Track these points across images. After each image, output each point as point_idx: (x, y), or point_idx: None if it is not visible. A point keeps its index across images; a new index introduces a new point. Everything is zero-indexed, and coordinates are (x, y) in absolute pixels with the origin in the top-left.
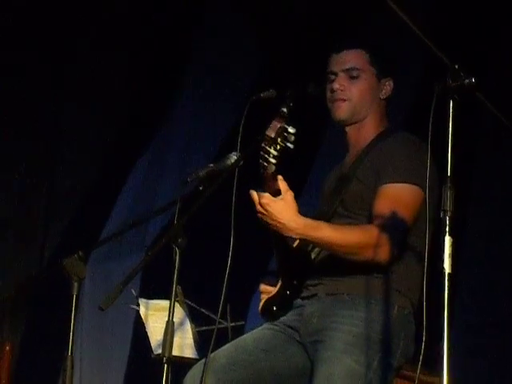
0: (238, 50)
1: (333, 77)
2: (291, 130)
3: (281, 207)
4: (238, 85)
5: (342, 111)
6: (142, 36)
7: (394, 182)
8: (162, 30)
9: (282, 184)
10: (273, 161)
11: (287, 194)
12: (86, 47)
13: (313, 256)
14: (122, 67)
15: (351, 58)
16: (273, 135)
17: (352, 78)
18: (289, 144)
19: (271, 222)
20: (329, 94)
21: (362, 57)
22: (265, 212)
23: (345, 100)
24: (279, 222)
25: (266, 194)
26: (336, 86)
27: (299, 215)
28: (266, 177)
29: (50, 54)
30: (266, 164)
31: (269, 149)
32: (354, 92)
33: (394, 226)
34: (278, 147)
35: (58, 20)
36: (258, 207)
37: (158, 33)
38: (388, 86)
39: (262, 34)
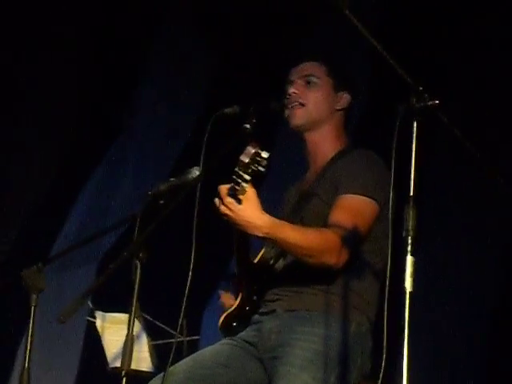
0: (194, 62)
1: (290, 85)
2: (264, 154)
3: (245, 205)
4: (193, 99)
5: (297, 117)
6: (96, 49)
7: (351, 194)
8: (116, 40)
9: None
10: (245, 185)
11: (249, 192)
12: (40, 59)
13: (274, 271)
14: (76, 78)
15: (309, 67)
16: (246, 160)
17: (308, 84)
18: (261, 168)
19: (237, 221)
20: (285, 101)
21: (319, 67)
22: (230, 212)
23: (300, 105)
24: (246, 221)
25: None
26: (292, 90)
27: (264, 213)
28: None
29: None
30: (237, 187)
31: (242, 173)
32: (310, 97)
33: (349, 235)
34: (251, 171)
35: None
36: (223, 207)
37: (113, 43)
38: (345, 99)
39: (219, 45)
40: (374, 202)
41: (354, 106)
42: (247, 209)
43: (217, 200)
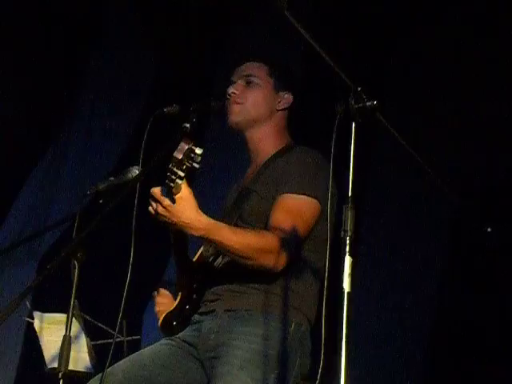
0: (136, 62)
1: (231, 85)
2: (198, 151)
3: (183, 206)
4: (134, 98)
5: (234, 114)
6: (38, 45)
7: (292, 193)
8: (59, 39)
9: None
10: (179, 181)
11: (185, 192)
12: None
13: (213, 270)
14: (18, 75)
15: (249, 68)
16: (180, 157)
17: (248, 84)
18: (195, 164)
19: (175, 221)
20: (225, 101)
21: (260, 67)
22: (167, 213)
23: (238, 103)
24: (183, 222)
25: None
26: (231, 90)
27: (202, 214)
28: (172, 195)
29: None
30: (172, 184)
31: (176, 170)
32: (248, 97)
33: (289, 237)
34: (185, 167)
35: None
36: (161, 209)
37: (54, 42)
38: (286, 99)
39: (160, 45)
40: (315, 200)
41: (295, 105)
42: (184, 210)
43: (153, 203)
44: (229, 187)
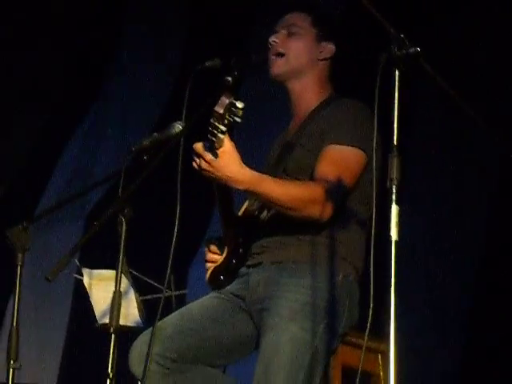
0: (173, 15)
1: (272, 34)
2: (239, 104)
3: (226, 160)
4: (173, 53)
5: (276, 67)
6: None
7: (338, 144)
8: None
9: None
10: (221, 136)
11: (228, 146)
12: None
13: (258, 223)
14: (55, 42)
15: (292, 18)
16: (221, 111)
17: (290, 33)
18: (237, 118)
19: (219, 176)
20: (267, 51)
21: (303, 17)
22: (210, 168)
23: (280, 54)
24: (226, 175)
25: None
26: (272, 38)
27: (245, 167)
28: (214, 149)
29: None
30: (214, 139)
31: (217, 124)
32: (290, 46)
33: (335, 187)
34: (226, 122)
35: None
36: (204, 164)
37: (91, 6)
38: (328, 49)
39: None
40: (361, 151)
41: (338, 56)
42: (228, 164)
43: (195, 158)
44: (271, 140)
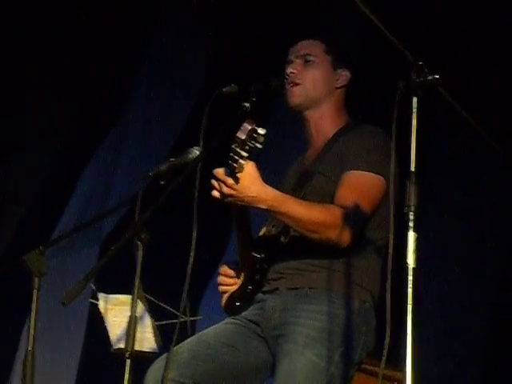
0: (192, 41)
1: (289, 65)
2: (261, 131)
3: (248, 181)
4: (193, 78)
5: (294, 96)
6: (94, 32)
7: (357, 170)
8: (117, 21)
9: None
10: (242, 162)
11: (248, 166)
12: (41, 34)
13: (276, 248)
14: (80, 63)
15: (306, 46)
16: (243, 137)
17: (306, 63)
18: (258, 144)
19: (241, 197)
20: (284, 81)
21: (317, 45)
22: (232, 192)
23: (298, 84)
24: (250, 196)
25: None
26: (289, 69)
27: (267, 185)
28: (235, 175)
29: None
30: (235, 164)
31: (239, 150)
32: (307, 76)
33: (354, 213)
34: (248, 148)
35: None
36: (226, 189)
37: (112, 28)
38: (344, 76)
39: (217, 25)
40: (380, 178)
41: (353, 82)
42: (250, 185)
43: (215, 183)
44: (287, 166)
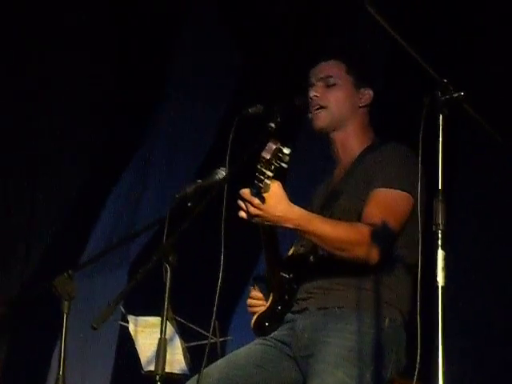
0: (220, 61)
1: (311, 88)
2: (286, 150)
3: (274, 201)
4: (218, 99)
5: (319, 119)
6: (121, 50)
7: (385, 187)
8: (142, 42)
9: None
10: (268, 181)
11: (274, 185)
12: (67, 58)
13: (305, 268)
14: (106, 87)
15: (327, 68)
16: (268, 157)
17: (328, 85)
18: (283, 164)
19: (268, 217)
20: (308, 104)
21: (337, 66)
22: (259, 212)
23: (322, 107)
24: (276, 215)
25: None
26: (312, 93)
27: (293, 205)
28: (261, 195)
29: (21, 70)
30: (261, 184)
31: (264, 170)
32: (331, 99)
33: (382, 230)
34: (273, 167)
35: (36, 28)
36: (252, 210)
37: (137, 47)
38: (367, 95)
39: (244, 45)
40: (408, 195)
41: (376, 100)
42: (276, 204)
43: (242, 204)
44: (315, 186)
